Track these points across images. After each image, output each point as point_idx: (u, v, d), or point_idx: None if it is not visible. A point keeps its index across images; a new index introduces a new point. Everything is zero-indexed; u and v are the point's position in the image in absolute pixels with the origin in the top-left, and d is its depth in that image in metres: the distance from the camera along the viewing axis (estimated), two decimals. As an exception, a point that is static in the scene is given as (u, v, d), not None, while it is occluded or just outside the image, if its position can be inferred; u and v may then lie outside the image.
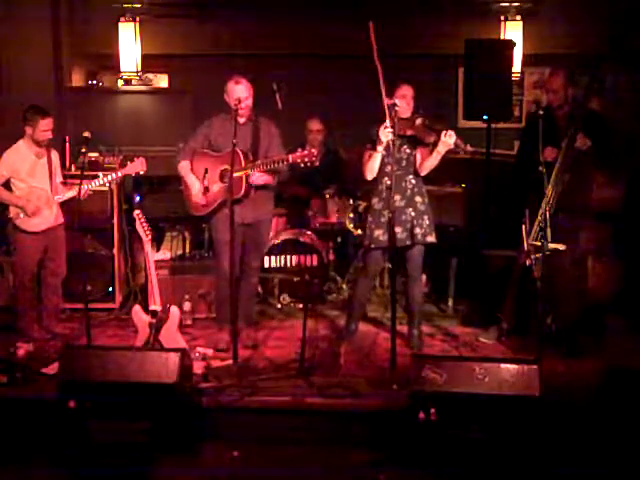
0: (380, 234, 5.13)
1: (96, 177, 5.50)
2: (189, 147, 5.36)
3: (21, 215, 5.41)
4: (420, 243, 5.13)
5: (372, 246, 5.19)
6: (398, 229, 5.04)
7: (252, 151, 5.20)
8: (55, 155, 5.63)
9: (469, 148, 4.91)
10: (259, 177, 5.14)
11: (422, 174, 5.13)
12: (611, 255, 5.14)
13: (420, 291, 5.34)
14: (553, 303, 5.04)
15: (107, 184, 5.69)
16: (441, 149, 4.91)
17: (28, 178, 5.44)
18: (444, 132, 4.86)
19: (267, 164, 5.09)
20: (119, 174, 5.53)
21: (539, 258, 4.75)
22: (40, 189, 5.46)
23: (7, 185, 5.45)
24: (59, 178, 5.64)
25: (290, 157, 5.02)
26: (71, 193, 5.46)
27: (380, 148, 4.98)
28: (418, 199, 5.14)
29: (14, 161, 5.42)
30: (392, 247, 4.99)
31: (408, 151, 5.04)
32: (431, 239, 5.15)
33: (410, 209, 5.06)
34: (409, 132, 5.00)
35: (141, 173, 5.51)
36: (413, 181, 5.12)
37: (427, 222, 5.14)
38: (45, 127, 5.37)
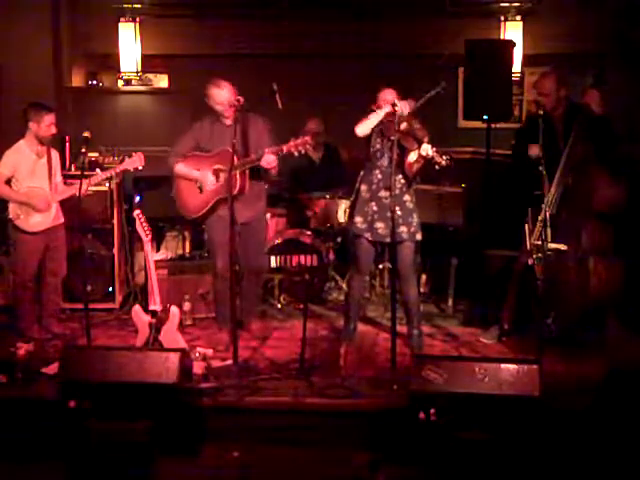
0: (360, 222, 5.18)
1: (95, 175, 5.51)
2: (177, 152, 5.37)
3: (21, 216, 5.41)
4: (410, 240, 5.16)
5: (352, 230, 5.22)
6: (381, 224, 5.09)
7: (242, 147, 5.20)
8: (55, 155, 5.62)
9: (443, 163, 4.86)
10: (268, 158, 5.09)
11: (410, 175, 5.15)
12: (613, 255, 5.13)
13: (415, 291, 5.33)
14: (554, 303, 5.03)
15: (106, 182, 5.68)
16: (419, 159, 4.97)
17: (28, 178, 5.43)
18: (423, 144, 4.87)
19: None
20: (117, 170, 5.53)
21: (541, 258, 4.73)
22: (40, 189, 5.46)
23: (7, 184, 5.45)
24: (58, 178, 5.64)
25: (284, 147, 5.04)
26: (70, 192, 5.47)
27: (380, 112, 5.02)
28: (407, 197, 5.18)
29: (15, 161, 5.41)
30: (392, 245, 5.01)
31: (397, 151, 5.04)
32: (419, 237, 5.22)
33: (398, 207, 5.06)
34: (395, 136, 4.99)
35: (140, 168, 5.50)
36: (402, 180, 5.14)
37: (415, 220, 5.18)
38: (49, 122, 5.38)
